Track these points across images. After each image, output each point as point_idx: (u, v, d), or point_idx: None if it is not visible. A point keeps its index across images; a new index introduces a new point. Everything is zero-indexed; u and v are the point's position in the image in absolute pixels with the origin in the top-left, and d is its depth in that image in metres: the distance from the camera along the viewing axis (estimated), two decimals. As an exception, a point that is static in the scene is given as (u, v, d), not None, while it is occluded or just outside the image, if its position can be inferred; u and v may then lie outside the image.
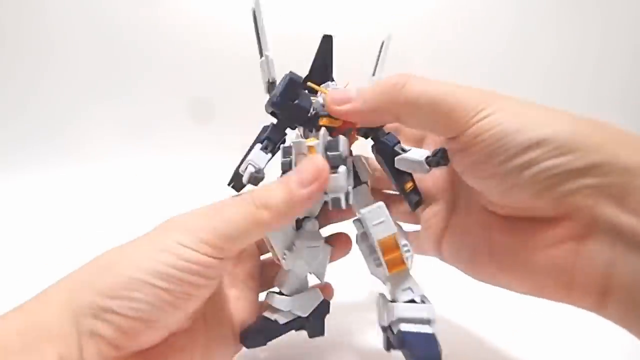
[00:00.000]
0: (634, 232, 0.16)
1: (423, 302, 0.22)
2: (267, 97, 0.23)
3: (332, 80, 0.24)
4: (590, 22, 0.88)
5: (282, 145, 0.23)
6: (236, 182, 0.23)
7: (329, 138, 0.22)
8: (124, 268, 0.18)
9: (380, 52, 0.26)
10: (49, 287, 0.19)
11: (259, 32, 0.23)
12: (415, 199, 0.24)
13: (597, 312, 0.18)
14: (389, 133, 0.24)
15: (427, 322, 0.21)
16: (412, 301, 0.22)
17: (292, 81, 0.22)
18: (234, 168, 0.24)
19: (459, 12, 0.87)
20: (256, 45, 0.23)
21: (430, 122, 0.20)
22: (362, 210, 0.22)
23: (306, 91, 0.23)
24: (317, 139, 0.22)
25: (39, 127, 0.84)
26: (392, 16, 0.85)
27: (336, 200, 0.22)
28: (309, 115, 0.23)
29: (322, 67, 0.23)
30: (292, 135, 0.24)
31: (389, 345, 0.22)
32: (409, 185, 0.24)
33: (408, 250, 0.22)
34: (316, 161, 0.20)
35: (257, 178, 0.22)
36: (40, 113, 0.85)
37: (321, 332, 0.25)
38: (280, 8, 0.87)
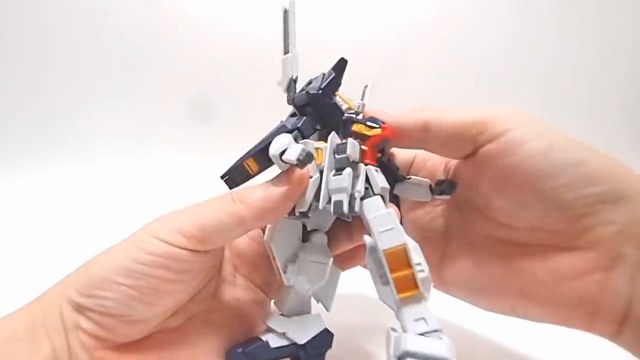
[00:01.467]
0: None
1: (439, 337, 0.17)
2: (285, 94, 0.23)
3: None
4: (591, 23, 0.88)
5: None
6: (230, 177, 0.22)
7: (339, 141, 0.21)
8: (98, 268, 0.19)
9: (363, 94, 0.24)
10: (52, 286, 0.21)
11: (288, 30, 0.22)
12: None
13: (612, 339, 0.18)
14: (389, 159, 0.24)
15: None
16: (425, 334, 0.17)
17: (335, 79, 0.21)
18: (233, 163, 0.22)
19: (460, 12, 0.87)
20: (282, 43, 0.23)
21: (452, 146, 0.21)
22: (369, 215, 0.19)
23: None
24: (326, 142, 0.21)
25: (38, 128, 0.84)
26: (392, 16, 0.85)
27: (338, 204, 0.20)
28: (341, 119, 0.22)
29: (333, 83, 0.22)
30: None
31: None
32: None
33: (422, 271, 0.18)
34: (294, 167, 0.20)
35: (308, 154, 0.19)
36: (39, 113, 0.85)
37: None
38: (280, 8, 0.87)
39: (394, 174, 0.23)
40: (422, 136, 0.21)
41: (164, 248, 0.19)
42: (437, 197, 0.22)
